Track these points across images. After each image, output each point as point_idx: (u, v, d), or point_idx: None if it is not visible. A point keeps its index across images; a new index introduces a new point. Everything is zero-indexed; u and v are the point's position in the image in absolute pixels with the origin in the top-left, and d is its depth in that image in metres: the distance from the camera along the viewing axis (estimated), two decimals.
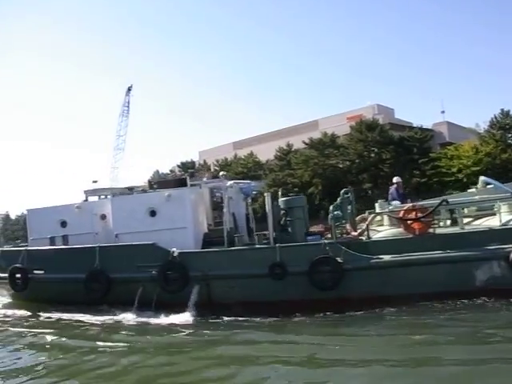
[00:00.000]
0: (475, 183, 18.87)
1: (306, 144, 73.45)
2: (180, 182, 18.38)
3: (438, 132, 69.43)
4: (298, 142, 73.53)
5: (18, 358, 12.57)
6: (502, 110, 61.84)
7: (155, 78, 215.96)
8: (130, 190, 19.75)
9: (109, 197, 18.80)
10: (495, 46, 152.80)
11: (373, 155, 69.55)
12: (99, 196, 20.44)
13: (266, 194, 17.86)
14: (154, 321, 15.34)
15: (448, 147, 64.68)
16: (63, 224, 18.96)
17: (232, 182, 19.57)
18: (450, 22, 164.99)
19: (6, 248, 20.38)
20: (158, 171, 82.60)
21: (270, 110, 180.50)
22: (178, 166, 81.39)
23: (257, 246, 16.47)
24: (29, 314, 17.51)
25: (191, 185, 18.36)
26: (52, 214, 19.33)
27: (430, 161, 64.90)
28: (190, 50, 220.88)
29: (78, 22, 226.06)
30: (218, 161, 77.84)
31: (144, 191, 18.85)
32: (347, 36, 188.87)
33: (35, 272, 17.83)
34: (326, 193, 63.43)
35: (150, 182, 19.00)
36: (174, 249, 16.16)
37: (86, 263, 16.88)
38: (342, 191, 17.36)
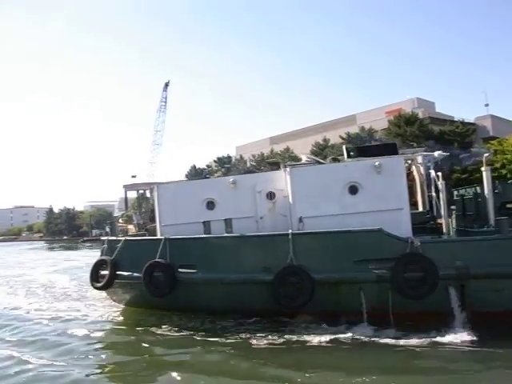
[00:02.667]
0: None
1: (343, 139, 67.40)
2: (388, 148, 12.13)
3: (481, 126, 63.10)
4: (335, 137, 67.40)
5: None
6: None
7: (191, 75, 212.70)
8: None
9: (287, 169, 12.32)
10: None
11: None
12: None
13: (483, 169, 11.90)
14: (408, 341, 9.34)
15: (491, 142, 58.47)
16: (210, 205, 12.75)
17: (439, 152, 13.35)
18: (492, 12, 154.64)
19: (128, 237, 13.93)
20: (194, 166, 76.34)
21: (309, 105, 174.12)
22: (215, 161, 75.13)
23: None
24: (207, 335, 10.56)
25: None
26: (194, 191, 13.06)
27: (471, 156, 58.72)
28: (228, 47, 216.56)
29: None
30: (254, 156, 71.47)
31: (335, 160, 12.63)
32: (388, 29, 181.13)
33: (181, 270, 11.63)
34: None
35: (347, 149, 12.62)
36: (413, 237, 10.16)
37: (271, 258, 10.72)
38: None
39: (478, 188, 13.06)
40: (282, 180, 12.28)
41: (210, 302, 11.36)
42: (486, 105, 69.80)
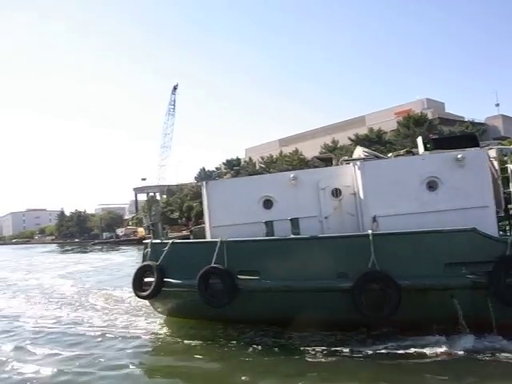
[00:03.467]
0: None
1: (352, 140, 66.17)
2: (468, 140, 10.78)
3: (492, 126, 61.83)
4: (344, 139, 66.21)
5: None
6: None
7: (202, 80, 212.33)
8: None
9: (357, 163, 10.96)
10: None
11: None
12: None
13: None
14: None
15: (502, 142, 57.14)
16: (267, 203, 11.35)
17: None
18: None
19: (173, 238, 12.43)
20: (204, 168, 75.07)
21: (318, 107, 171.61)
22: (224, 163, 73.90)
23: None
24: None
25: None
26: (250, 188, 11.68)
27: None
28: (231, 48, 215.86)
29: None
30: (263, 158, 70.20)
31: (409, 152, 11.30)
32: (396, 30, 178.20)
33: (240, 277, 10.26)
34: None
35: (423, 141, 11.21)
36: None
37: (348, 262, 9.36)
38: None
39: None
40: (348, 175, 10.92)
41: (275, 313, 9.96)
42: (497, 105, 68.65)
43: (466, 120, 62.25)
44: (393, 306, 8.84)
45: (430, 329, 9.05)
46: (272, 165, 66.84)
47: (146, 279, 11.59)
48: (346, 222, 10.75)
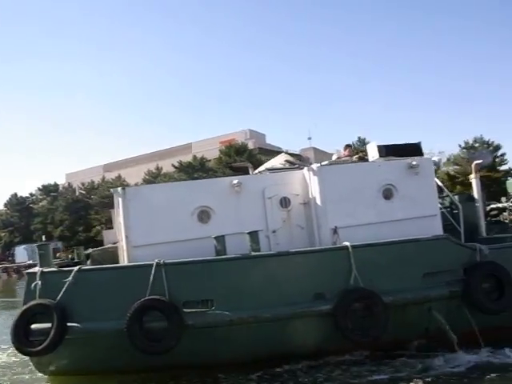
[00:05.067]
0: None
1: (176, 167, 65.35)
2: (414, 148, 10.19)
3: (306, 157, 67.43)
4: (170, 166, 64.93)
5: None
6: (359, 137, 62.06)
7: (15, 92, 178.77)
8: None
9: (313, 167, 9.49)
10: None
11: None
12: None
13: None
14: None
15: None
16: (203, 216, 9.10)
17: (438, 157, 12.16)
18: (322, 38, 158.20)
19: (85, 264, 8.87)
20: (15, 194, 64.29)
21: (147, 134, 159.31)
22: (39, 188, 64.58)
23: None
24: None
25: None
26: (181, 197, 9.16)
27: None
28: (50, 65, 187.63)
29: None
30: (83, 184, 63.76)
31: (362, 159, 10.26)
32: (226, 62, 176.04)
33: (187, 311, 7.81)
34: None
35: (378, 146, 10.08)
36: (479, 245, 8.51)
37: (325, 280, 7.87)
38: None
39: None
40: (297, 183, 9.49)
41: (236, 352, 7.79)
42: (309, 138, 75.72)
43: (283, 150, 66.70)
44: (382, 326, 7.59)
45: (408, 348, 8.12)
46: (93, 191, 61.39)
47: (34, 326, 8.11)
48: (295, 235, 9.24)
